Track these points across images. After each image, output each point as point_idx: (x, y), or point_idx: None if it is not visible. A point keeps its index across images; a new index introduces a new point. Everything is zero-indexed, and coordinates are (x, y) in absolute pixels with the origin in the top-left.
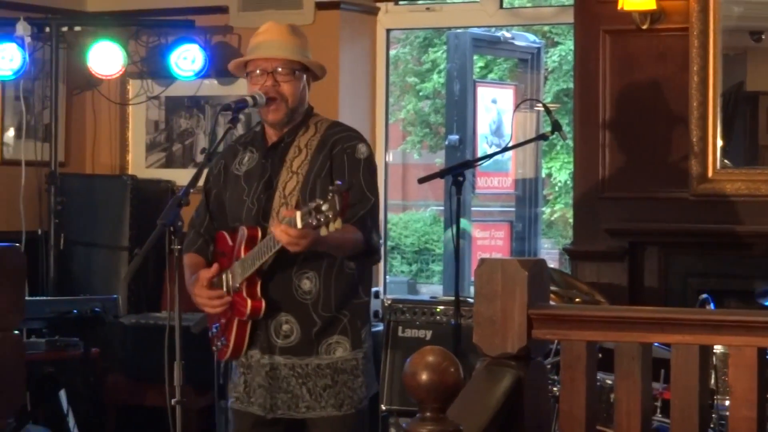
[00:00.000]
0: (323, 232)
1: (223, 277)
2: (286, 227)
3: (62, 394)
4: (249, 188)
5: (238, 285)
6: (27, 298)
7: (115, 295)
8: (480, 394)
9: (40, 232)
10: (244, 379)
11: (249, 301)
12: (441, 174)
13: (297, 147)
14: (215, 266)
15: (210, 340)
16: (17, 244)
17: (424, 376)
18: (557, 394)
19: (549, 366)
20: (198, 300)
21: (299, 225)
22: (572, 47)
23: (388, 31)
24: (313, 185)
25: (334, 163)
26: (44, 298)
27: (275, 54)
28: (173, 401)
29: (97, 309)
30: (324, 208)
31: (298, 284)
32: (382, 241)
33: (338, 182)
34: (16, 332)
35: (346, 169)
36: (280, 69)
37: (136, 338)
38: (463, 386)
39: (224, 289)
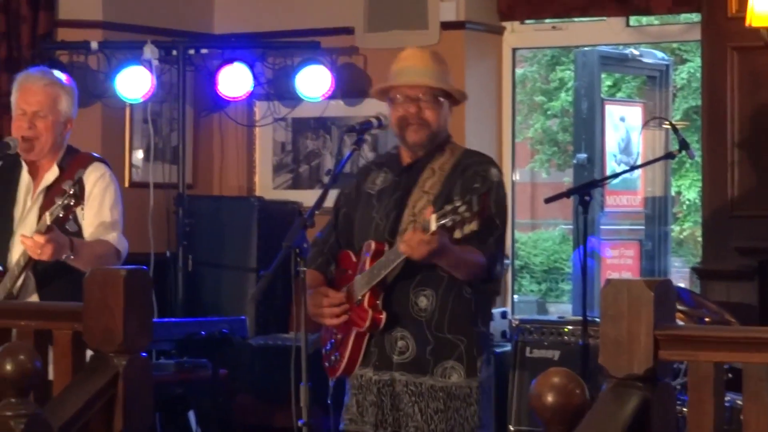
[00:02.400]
0: (457, 234)
1: (344, 289)
2: (409, 234)
3: (191, 415)
4: (379, 205)
5: (360, 297)
6: (155, 320)
7: (243, 316)
8: (606, 415)
9: (168, 253)
10: (356, 399)
11: (370, 312)
12: (568, 194)
13: (431, 169)
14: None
15: (322, 357)
16: (145, 267)
17: (549, 398)
18: (685, 415)
19: (677, 387)
20: (316, 311)
21: (433, 225)
22: (701, 64)
23: (514, 50)
24: (442, 206)
25: (465, 185)
26: (173, 319)
27: (419, 81)
28: (300, 422)
29: (225, 330)
30: (461, 209)
31: (415, 300)
32: (508, 262)
33: (476, 185)
34: (145, 354)
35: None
36: (423, 96)
37: (264, 359)
38: (590, 408)
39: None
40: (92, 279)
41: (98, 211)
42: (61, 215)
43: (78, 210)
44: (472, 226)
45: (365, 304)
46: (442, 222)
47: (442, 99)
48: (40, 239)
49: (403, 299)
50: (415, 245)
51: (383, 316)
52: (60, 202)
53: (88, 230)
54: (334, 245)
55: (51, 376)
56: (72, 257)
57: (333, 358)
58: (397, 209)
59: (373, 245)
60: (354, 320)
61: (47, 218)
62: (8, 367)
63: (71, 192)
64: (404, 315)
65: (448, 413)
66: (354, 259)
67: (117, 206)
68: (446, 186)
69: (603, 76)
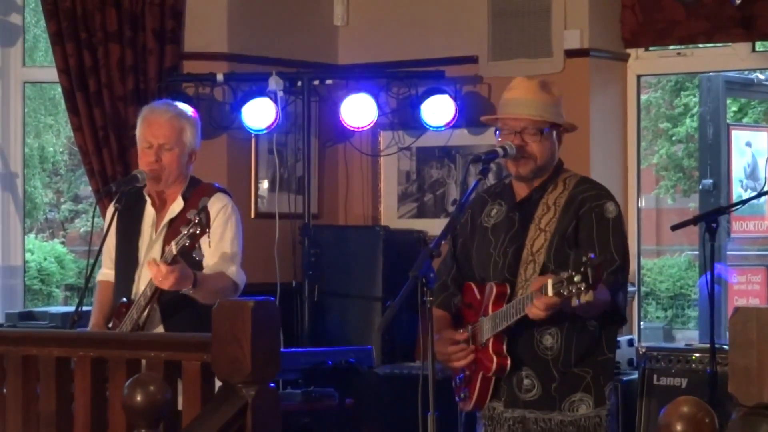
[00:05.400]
0: (573, 302)
1: (469, 329)
2: (533, 305)
3: None
4: (496, 241)
5: (484, 341)
6: (282, 349)
7: (369, 346)
8: None
9: (294, 283)
10: (484, 430)
11: (495, 359)
12: (694, 221)
13: (546, 204)
14: (463, 334)
15: (454, 389)
16: (272, 298)
17: (678, 427)
18: None
19: None
20: (443, 357)
21: (550, 293)
22: None
23: (639, 76)
24: (559, 245)
25: (581, 223)
26: (299, 349)
27: (522, 114)
28: None
29: (351, 359)
30: (576, 279)
31: (540, 340)
32: (633, 289)
33: (592, 255)
34: (273, 385)
35: (594, 229)
36: (527, 128)
37: (391, 388)
38: None
39: (469, 341)
40: (220, 310)
41: (219, 243)
42: (187, 244)
43: (203, 238)
44: (588, 297)
45: (490, 349)
46: (559, 290)
47: (548, 130)
48: (165, 268)
49: (528, 339)
50: (542, 314)
51: (508, 361)
52: (186, 231)
53: (208, 261)
54: (456, 275)
55: (180, 406)
56: (192, 291)
57: (462, 394)
58: (514, 246)
59: (495, 289)
60: (480, 363)
61: (173, 248)
62: (139, 398)
63: (196, 220)
64: (530, 354)
65: None
66: (477, 294)
67: (237, 239)
68: (562, 223)
69: (728, 101)
